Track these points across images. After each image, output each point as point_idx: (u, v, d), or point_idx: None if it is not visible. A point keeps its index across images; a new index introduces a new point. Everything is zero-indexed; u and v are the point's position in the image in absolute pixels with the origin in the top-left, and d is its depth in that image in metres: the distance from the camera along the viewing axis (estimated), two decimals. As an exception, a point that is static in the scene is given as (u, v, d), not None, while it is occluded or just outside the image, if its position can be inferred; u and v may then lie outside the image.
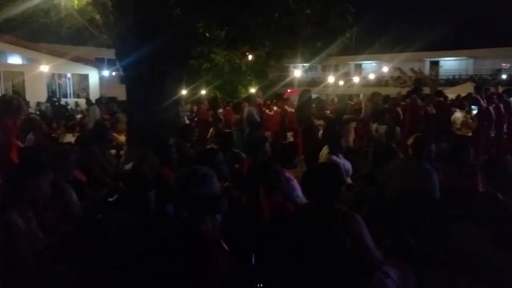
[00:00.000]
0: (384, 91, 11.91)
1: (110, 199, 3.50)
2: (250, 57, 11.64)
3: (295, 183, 3.49)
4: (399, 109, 7.73)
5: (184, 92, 13.00)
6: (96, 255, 2.81)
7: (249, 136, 6.87)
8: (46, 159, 3.36)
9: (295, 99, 10.36)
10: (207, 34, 7.55)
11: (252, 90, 14.54)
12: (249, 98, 8.02)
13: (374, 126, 6.72)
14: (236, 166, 4.48)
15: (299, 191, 3.35)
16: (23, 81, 19.19)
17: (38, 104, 14.50)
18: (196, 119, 11.12)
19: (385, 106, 7.65)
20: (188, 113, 12.60)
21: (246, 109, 7.46)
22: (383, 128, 6.14)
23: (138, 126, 5.71)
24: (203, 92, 18.16)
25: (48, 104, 14.62)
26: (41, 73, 19.48)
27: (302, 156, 6.30)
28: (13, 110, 4.55)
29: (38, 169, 2.64)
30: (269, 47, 8.55)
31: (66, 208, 3.21)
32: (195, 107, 14.56)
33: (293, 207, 3.05)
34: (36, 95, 16.88)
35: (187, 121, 10.55)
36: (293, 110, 8.84)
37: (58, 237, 2.86)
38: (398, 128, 5.18)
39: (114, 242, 2.97)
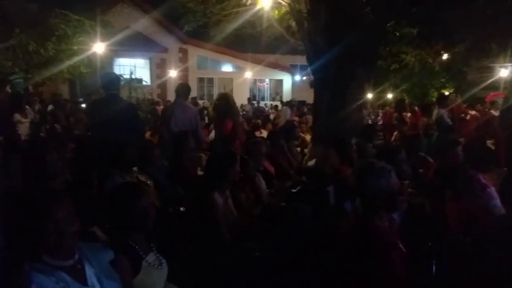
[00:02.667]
0: None
1: (293, 190, 3.77)
2: (445, 56, 10.47)
3: (492, 190, 3.05)
4: None
5: (369, 95, 12.74)
6: (278, 238, 3.10)
7: (437, 140, 6.30)
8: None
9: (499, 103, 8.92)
10: (397, 33, 7.21)
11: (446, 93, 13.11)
12: (441, 100, 7.32)
13: None
14: (421, 170, 4.20)
15: (497, 200, 2.92)
16: (232, 87, 22.27)
17: (242, 106, 16.80)
18: (380, 123, 10.80)
19: None
20: (373, 117, 12.34)
21: (436, 111, 6.85)
22: None
23: (322, 127, 5.94)
24: (390, 96, 17.34)
25: (250, 106, 16.81)
26: (245, 79, 22.39)
27: (505, 169, 5.38)
28: (227, 111, 5.41)
29: (235, 159, 3.17)
30: (469, 43, 7.54)
31: (256, 193, 3.66)
32: (380, 111, 14.10)
33: (488, 217, 2.69)
34: (241, 98, 19.42)
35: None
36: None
37: (248, 217, 3.29)
38: None
39: (293, 228, 3.22)
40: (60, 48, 8.30)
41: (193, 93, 20.94)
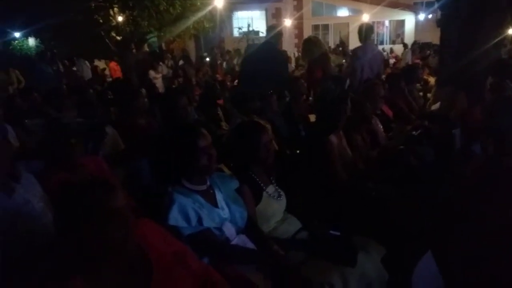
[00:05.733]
0: None
1: (414, 133, 3.62)
2: None
3: None
4: None
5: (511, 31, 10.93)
6: (396, 179, 3.07)
7: None
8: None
9: None
10: None
11: None
12: None
13: None
14: None
15: None
16: (348, 32, 21.19)
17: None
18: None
19: None
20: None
21: None
22: None
23: (449, 69, 5.40)
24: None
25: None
26: (362, 23, 21.01)
27: None
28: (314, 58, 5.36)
29: (346, 103, 3.20)
30: None
31: (373, 136, 3.61)
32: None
33: None
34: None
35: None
36: None
37: (364, 158, 3.30)
38: None
39: (413, 170, 3.14)
40: (185, 5, 8.88)
41: (308, 41, 20.62)
